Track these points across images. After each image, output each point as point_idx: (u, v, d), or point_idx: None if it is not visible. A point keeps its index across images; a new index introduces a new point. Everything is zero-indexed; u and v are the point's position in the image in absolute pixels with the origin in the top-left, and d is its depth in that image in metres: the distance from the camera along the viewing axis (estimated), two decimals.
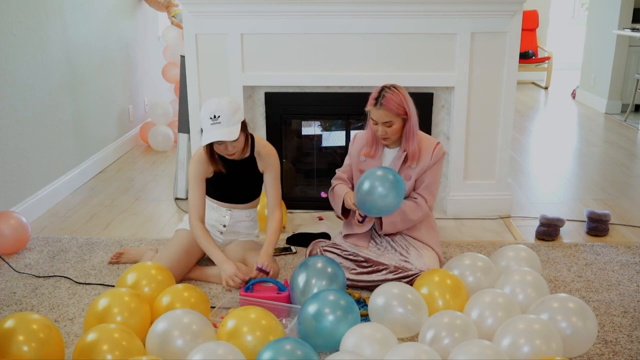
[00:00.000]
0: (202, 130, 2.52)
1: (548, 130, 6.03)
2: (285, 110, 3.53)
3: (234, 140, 2.48)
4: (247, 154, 2.69)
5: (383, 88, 2.58)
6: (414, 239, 2.74)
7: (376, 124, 2.60)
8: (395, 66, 3.37)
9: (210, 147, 2.58)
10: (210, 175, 2.69)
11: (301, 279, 2.39)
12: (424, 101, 3.45)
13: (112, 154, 4.79)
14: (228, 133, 2.45)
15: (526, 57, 8.10)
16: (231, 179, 2.71)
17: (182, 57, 3.72)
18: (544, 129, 6.14)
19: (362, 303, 2.47)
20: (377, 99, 2.56)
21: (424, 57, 3.36)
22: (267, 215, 2.78)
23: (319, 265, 2.42)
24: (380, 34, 3.32)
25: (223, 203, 2.78)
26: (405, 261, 2.61)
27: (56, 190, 3.85)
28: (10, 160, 3.38)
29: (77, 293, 2.64)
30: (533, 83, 8.83)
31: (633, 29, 6.15)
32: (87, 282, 2.73)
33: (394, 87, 2.59)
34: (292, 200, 3.63)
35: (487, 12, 3.25)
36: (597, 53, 6.78)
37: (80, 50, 4.22)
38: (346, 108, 3.49)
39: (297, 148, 3.86)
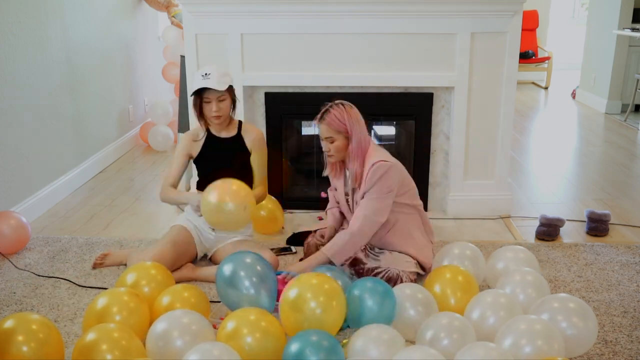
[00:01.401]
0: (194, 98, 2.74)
1: (548, 130, 6.03)
2: (285, 110, 3.53)
3: (221, 101, 2.71)
4: (234, 133, 2.86)
5: (331, 104, 2.58)
6: (391, 250, 2.70)
7: (322, 139, 2.61)
8: (395, 66, 3.37)
9: (199, 106, 2.75)
10: (196, 152, 2.83)
11: (227, 269, 2.31)
12: (424, 101, 3.46)
13: (112, 154, 4.79)
14: (216, 84, 2.66)
15: (526, 57, 8.10)
16: (220, 158, 2.82)
17: (182, 57, 3.73)
18: (544, 129, 6.14)
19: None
20: (322, 113, 2.57)
21: (424, 57, 3.36)
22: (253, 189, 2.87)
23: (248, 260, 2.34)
24: (380, 34, 3.32)
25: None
26: (377, 267, 2.60)
27: (56, 190, 3.85)
28: (10, 160, 3.38)
29: (77, 293, 2.64)
30: (533, 83, 8.83)
31: (633, 29, 6.15)
32: (87, 286, 2.73)
33: (342, 104, 2.57)
34: (292, 200, 3.63)
35: (487, 12, 3.26)
36: (597, 53, 6.78)
37: (80, 50, 4.22)
38: None
39: (297, 148, 3.86)
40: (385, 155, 2.64)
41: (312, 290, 2.09)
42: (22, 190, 3.49)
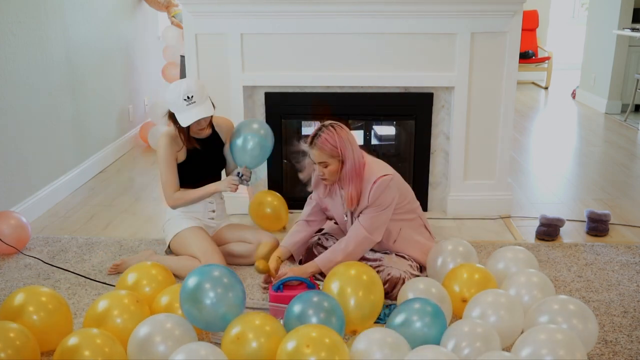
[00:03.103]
0: (170, 114, 2.67)
1: (548, 130, 6.03)
2: (285, 110, 3.53)
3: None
4: (209, 131, 2.85)
5: (321, 127, 2.48)
6: (392, 252, 2.71)
7: (314, 162, 2.53)
8: (395, 66, 3.37)
9: (186, 128, 2.69)
10: (181, 159, 2.79)
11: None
12: (424, 101, 3.46)
13: (112, 154, 4.79)
14: (206, 109, 2.63)
15: (526, 57, 8.10)
16: (203, 159, 2.83)
17: (182, 57, 3.73)
18: (544, 129, 6.14)
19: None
20: (313, 138, 2.48)
21: (424, 57, 3.36)
22: None
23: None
24: (380, 34, 3.32)
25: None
26: (380, 264, 2.61)
27: (56, 190, 3.84)
28: (10, 160, 3.38)
29: (77, 293, 2.64)
30: (533, 83, 8.83)
31: (633, 29, 6.15)
32: (90, 277, 2.74)
33: (333, 126, 2.47)
34: (292, 200, 3.63)
35: (487, 12, 3.25)
36: (597, 53, 6.78)
37: (80, 50, 4.22)
38: (346, 108, 3.48)
39: (297, 148, 3.86)
40: (383, 167, 2.58)
41: (313, 344, 1.87)
42: (22, 190, 3.49)
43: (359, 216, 2.57)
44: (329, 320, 2.08)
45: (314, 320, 2.06)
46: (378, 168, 2.56)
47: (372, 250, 2.69)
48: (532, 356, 1.88)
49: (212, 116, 2.74)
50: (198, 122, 2.66)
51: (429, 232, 2.79)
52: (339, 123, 2.52)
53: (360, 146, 2.69)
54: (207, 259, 2.67)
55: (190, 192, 2.78)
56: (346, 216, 2.67)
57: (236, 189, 2.76)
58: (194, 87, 2.61)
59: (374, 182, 2.49)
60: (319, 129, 2.48)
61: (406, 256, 2.67)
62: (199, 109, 2.61)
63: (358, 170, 2.49)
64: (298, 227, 2.78)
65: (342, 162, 2.49)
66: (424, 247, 2.71)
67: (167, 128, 2.81)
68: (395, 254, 2.67)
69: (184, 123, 2.62)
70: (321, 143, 2.45)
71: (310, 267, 2.55)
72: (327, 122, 2.51)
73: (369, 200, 2.50)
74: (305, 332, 1.90)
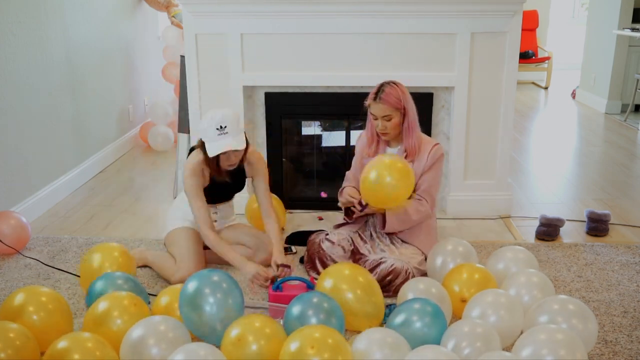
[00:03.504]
0: (201, 143, 2.57)
1: (548, 130, 6.03)
2: (285, 110, 3.53)
3: (239, 150, 2.53)
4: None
5: (383, 83, 2.66)
6: (407, 242, 2.76)
7: (376, 118, 2.67)
8: (395, 66, 3.37)
9: (215, 158, 2.57)
10: (205, 185, 2.70)
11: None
12: (424, 101, 3.45)
13: (112, 154, 4.79)
14: (238, 142, 2.50)
15: (526, 57, 8.10)
16: (221, 186, 2.76)
17: (182, 57, 3.72)
18: (544, 129, 6.14)
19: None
20: (376, 93, 2.64)
21: (424, 57, 3.36)
22: (264, 218, 2.80)
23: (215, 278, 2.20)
24: (380, 34, 3.32)
25: (210, 205, 2.80)
26: (382, 257, 2.63)
27: (56, 190, 3.84)
28: (10, 160, 3.38)
29: (77, 293, 2.64)
30: (533, 83, 8.83)
31: (633, 29, 6.15)
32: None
33: (394, 82, 2.67)
34: (292, 200, 3.63)
35: (487, 12, 3.25)
36: (597, 53, 6.78)
37: (80, 50, 4.22)
38: (346, 108, 3.49)
39: (297, 148, 3.86)
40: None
41: (316, 344, 1.87)
42: (22, 190, 3.49)
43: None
44: (329, 321, 2.08)
45: (313, 321, 2.07)
46: (432, 138, 2.82)
47: (379, 241, 2.75)
48: (533, 356, 1.88)
49: (244, 151, 2.60)
50: (227, 156, 2.54)
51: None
52: (395, 80, 2.70)
53: None
54: (182, 262, 2.67)
55: (224, 246, 2.61)
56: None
57: (253, 287, 2.58)
58: (230, 118, 2.49)
59: (435, 145, 2.71)
60: (381, 85, 2.65)
61: (412, 245, 2.72)
62: (230, 140, 2.48)
63: (415, 126, 2.69)
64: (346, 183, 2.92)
65: (404, 115, 2.66)
66: (434, 238, 2.81)
67: (194, 157, 2.66)
68: (401, 243, 2.73)
69: (211, 153, 2.50)
70: (385, 96, 2.61)
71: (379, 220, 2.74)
72: (388, 80, 2.68)
73: (429, 159, 2.68)
74: (308, 333, 1.90)
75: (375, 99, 2.64)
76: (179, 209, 2.87)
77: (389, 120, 2.65)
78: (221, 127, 2.47)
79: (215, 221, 2.88)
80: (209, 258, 2.86)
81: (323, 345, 1.85)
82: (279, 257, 2.60)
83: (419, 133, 2.73)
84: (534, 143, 5.48)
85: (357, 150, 2.92)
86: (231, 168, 2.64)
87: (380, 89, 2.64)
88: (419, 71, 3.38)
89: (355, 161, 2.92)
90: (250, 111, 3.54)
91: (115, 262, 2.52)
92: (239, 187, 2.87)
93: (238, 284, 2.22)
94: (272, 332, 1.98)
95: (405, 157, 2.70)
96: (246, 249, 2.84)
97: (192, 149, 2.75)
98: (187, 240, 2.74)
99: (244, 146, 2.53)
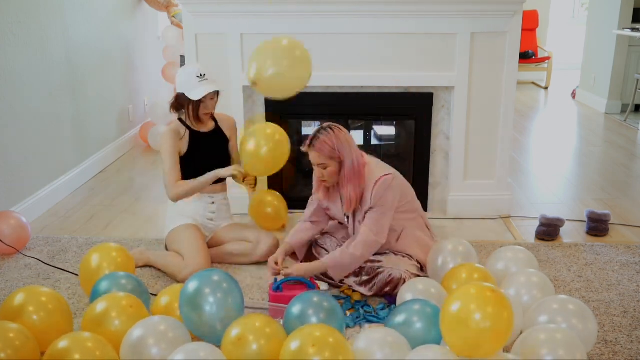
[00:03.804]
0: (175, 104, 2.82)
1: (548, 130, 6.03)
2: (285, 110, 3.52)
3: (212, 99, 2.79)
4: (213, 125, 2.93)
5: (320, 129, 2.49)
6: (401, 253, 2.69)
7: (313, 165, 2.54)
8: (395, 66, 3.37)
9: (196, 108, 2.79)
10: (183, 150, 2.83)
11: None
12: (424, 101, 3.46)
13: (112, 154, 4.79)
14: (217, 85, 2.77)
15: (526, 57, 8.10)
16: (206, 152, 2.87)
17: (182, 57, 3.73)
18: (544, 129, 6.14)
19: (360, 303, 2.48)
20: (311, 139, 2.48)
21: (424, 57, 3.36)
22: None
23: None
24: (381, 34, 3.32)
25: (204, 193, 2.91)
26: (380, 267, 2.58)
27: (56, 190, 3.84)
28: (10, 160, 3.38)
29: (77, 293, 2.64)
30: (533, 83, 8.83)
31: (633, 29, 6.15)
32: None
33: (331, 128, 2.48)
34: (292, 200, 3.63)
35: (487, 12, 3.25)
36: (597, 53, 6.78)
37: (80, 50, 4.22)
38: (346, 108, 3.49)
39: (297, 148, 3.85)
40: (384, 167, 2.58)
41: (317, 343, 1.85)
42: (22, 190, 3.49)
43: (363, 218, 2.55)
44: (330, 320, 2.08)
45: (314, 320, 2.07)
46: (379, 168, 2.56)
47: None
48: (532, 356, 1.88)
49: (217, 97, 2.82)
50: (205, 104, 2.76)
51: (430, 231, 2.79)
52: (337, 125, 2.52)
53: (360, 146, 2.68)
54: (190, 258, 2.69)
55: (188, 182, 2.79)
56: (347, 219, 2.66)
57: (242, 178, 2.76)
58: (206, 67, 2.77)
59: (376, 182, 2.48)
60: (317, 131, 2.49)
61: (407, 256, 2.67)
62: (211, 85, 2.73)
63: (357, 171, 2.49)
64: (303, 226, 2.77)
65: (341, 164, 2.49)
66: (426, 245, 2.70)
67: (171, 122, 2.88)
68: (396, 254, 2.66)
69: (196, 96, 2.70)
70: (319, 145, 2.46)
71: (317, 267, 2.53)
72: (326, 124, 2.51)
73: (372, 200, 2.49)
74: (309, 332, 1.90)
75: (309, 145, 2.48)
76: (176, 206, 2.89)
77: (325, 168, 2.49)
78: (201, 74, 2.72)
79: (212, 220, 2.94)
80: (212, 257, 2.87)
81: (324, 344, 1.85)
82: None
83: (367, 175, 2.52)
84: (534, 143, 5.48)
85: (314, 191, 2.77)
86: (207, 117, 2.85)
87: (316, 135, 2.47)
88: (419, 71, 3.37)
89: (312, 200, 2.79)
90: (250, 111, 3.54)
91: (114, 263, 2.52)
92: (223, 153, 2.94)
93: (238, 284, 2.22)
94: (273, 332, 1.98)
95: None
96: (246, 244, 2.88)
97: None
98: (191, 236, 2.77)
99: (223, 88, 2.81)
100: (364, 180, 2.51)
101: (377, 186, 2.48)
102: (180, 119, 2.89)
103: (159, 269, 2.84)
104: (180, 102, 2.81)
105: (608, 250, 3.04)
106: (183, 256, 2.73)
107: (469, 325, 1.73)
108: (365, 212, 2.54)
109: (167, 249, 2.93)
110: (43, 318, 2.09)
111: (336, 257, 2.52)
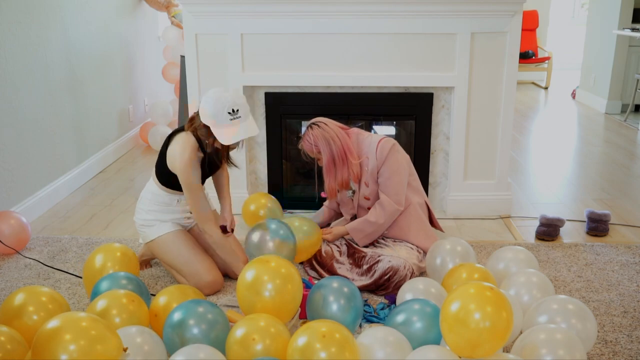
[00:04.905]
0: (191, 126, 2.43)
1: (548, 130, 6.03)
2: (285, 110, 3.53)
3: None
4: None
5: (309, 126, 2.70)
6: (399, 240, 2.76)
7: None
8: (395, 66, 3.37)
9: (221, 147, 2.46)
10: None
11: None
12: (424, 101, 3.46)
13: (112, 154, 4.79)
14: (252, 128, 2.36)
15: (526, 57, 8.10)
16: (204, 165, 2.58)
17: (182, 57, 3.74)
18: (544, 129, 6.14)
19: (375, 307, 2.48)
20: (302, 137, 2.73)
21: (424, 57, 3.36)
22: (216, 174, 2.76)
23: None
24: (380, 34, 3.32)
25: (182, 197, 2.63)
26: (380, 256, 2.64)
27: (56, 190, 3.85)
28: (10, 160, 3.38)
29: (77, 293, 2.64)
30: (533, 83, 8.83)
31: (633, 29, 6.15)
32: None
33: (311, 126, 2.69)
34: (292, 200, 3.63)
35: (487, 12, 3.25)
36: (597, 53, 6.79)
37: (80, 50, 4.22)
38: (346, 108, 3.49)
39: (297, 148, 3.85)
40: (381, 135, 2.76)
41: (321, 341, 1.85)
42: (22, 190, 3.49)
43: (367, 185, 2.71)
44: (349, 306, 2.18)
45: (334, 307, 2.16)
46: (372, 137, 2.73)
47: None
48: (532, 356, 1.88)
49: None
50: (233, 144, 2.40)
51: (436, 228, 2.92)
52: (321, 120, 2.70)
53: None
54: (192, 271, 2.53)
55: (216, 229, 2.58)
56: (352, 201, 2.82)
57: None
58: (240, 99, 2.32)
59: (377, 144, 2.66)
60: (306, 129, 2.71)
61: (409, 245, 2.71)
62: (245, 126, 2.31)
63: (343, 157, 2.66)
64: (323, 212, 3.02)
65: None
66: (427, 232, 2.79)
67: (186, 144, 2.43)
68: (396, 240, 2.73)
69: (225, 141, 2.29)
70: (303, 143, 2.72)
71: (339, 230, 2.78)
72: (311, 121, 2.71)
73: (377, 159, 2.64)
74: (315, 328, 1.90)
75: (300, 144, 2.74)
76: (151, 217, 2.62)
77: (319, 159, 2.73)
78: (233, 110, 2.29)
79: (189, 218, 2.72)
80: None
81: (330, 339, 1.85)
82: (226, 216, 2.69)
83: (362, 147, 2.70)
84: (534, 143, 5.48)
85: None
86: (232, 150, 2.54)
87: (304, 133, 2.71)
88: (419, 71, 3.38)
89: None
90: (250, 111, 3.54)
91: (118, 263, 2.50)
92: (213, 168, 2.66)
93: (224, 313, 2.12)
94: (277, 332, 1.98)
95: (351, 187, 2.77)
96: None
97: (172, 135, 2.52)
98: (184, 245, 2.57)
99: (258, 131, 2.38)
100: (352, 161, 2.67)
101: (380, 146, 2.66)
102: (195, 134, 2.47)
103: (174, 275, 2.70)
104: (202, 132, 2.40)
105: (608, 250, 3.04)
106: (182, 271, 2.57)
107: (468, 325, 1.73)
108: (369, 182, 2.68)
109: (146, 247, 2.77)
110: (43, 318, 2.08)
111: (358, 225, 2.71)
